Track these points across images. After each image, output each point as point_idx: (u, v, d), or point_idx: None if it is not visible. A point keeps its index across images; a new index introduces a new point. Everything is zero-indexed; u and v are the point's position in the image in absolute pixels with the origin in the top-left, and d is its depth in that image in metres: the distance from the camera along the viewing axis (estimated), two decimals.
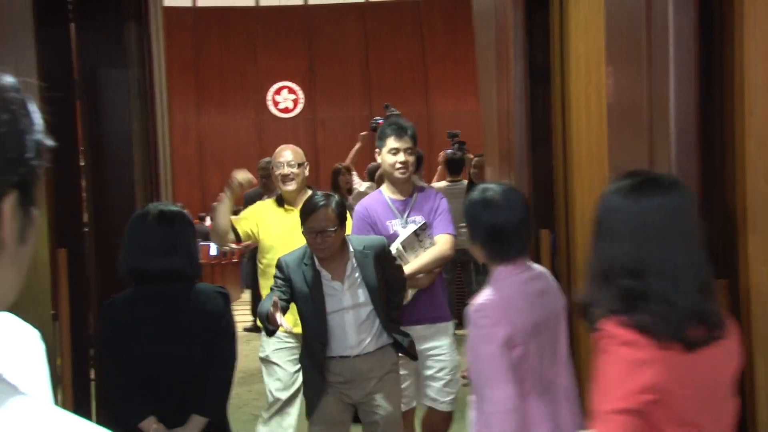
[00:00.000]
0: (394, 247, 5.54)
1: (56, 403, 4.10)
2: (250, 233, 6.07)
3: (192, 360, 4.11)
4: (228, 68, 17.58)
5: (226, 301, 4.34)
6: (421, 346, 5.52)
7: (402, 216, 5.69)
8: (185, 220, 4.36)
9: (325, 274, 4.95)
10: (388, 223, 5.67)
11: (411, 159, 5.66)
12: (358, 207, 5.92)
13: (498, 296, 3.65)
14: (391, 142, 5.62)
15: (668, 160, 3.28)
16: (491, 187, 3.83)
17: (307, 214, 4.83)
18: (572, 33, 5.57)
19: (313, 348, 5.10)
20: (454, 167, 10.51)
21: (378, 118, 13.21)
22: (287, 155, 6.11)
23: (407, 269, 5.46)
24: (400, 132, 5.64)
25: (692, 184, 3.15)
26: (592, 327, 2.73)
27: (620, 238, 2.71)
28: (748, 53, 3.18)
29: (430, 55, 17.57)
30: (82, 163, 6.16)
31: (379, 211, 5.74)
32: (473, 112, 11.82)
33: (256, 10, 17.67)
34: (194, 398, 4.11)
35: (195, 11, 17.29)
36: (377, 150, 5.77)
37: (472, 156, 10.95)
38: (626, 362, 2.55)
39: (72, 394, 5.08)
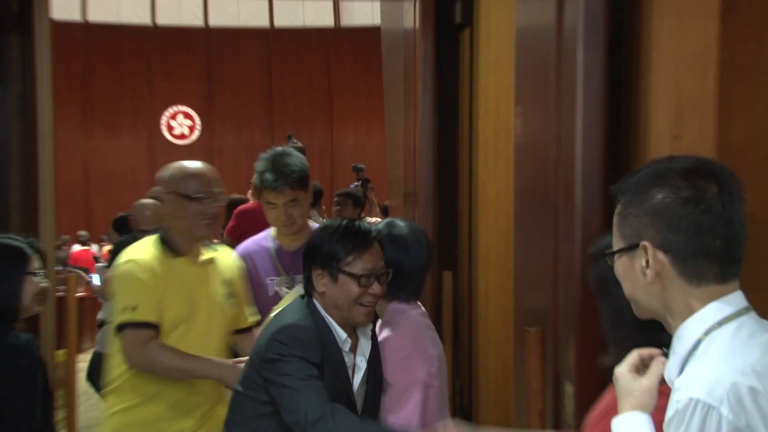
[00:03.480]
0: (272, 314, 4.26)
1: None
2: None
3: None
4: (119, 88, 17.45)
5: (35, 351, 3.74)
6: None
7: (287, 273, 4.69)
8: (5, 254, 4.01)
9: (344, 343, 3.32)
10: (268, 281, 4.68)
11: (297, 211, 4.61)
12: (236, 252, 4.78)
13: (406, 331, 3.62)
14: (268, 196, 4.61)
15: (574, 203, 3.34)
16: (399, 223, 3.80)
17: (363, 248, 3.24)
18: (482, 70, 5.66)
19: None
20: (356, 202, 10.62)
21: (279, 148, 13.29)
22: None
23: None
24: (276, 183, 4.55)
25: (598, 226, 3.22)
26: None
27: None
28: (654, 100, 3.27)
29: (335, 85, 17.67)
30: None
31: (258, 264, 4.75)
32: (379, 145, 11.93)
33: (152, 29, 17.59)
34: None
35: (85, 26, 17.14)
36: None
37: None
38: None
39: None
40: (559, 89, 3.51)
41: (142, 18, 17.62)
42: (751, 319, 2.07)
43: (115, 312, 3.98)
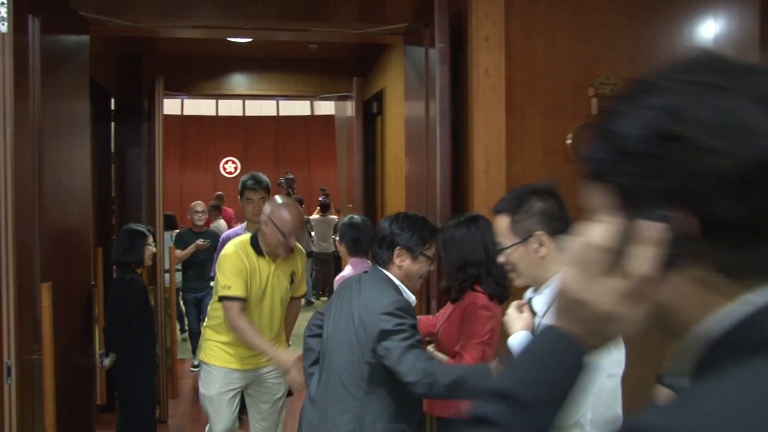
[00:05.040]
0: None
1: None
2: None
3: None
4: (199, 148, 17.22)
5: None
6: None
7: None
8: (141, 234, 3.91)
9: (413, 301, 2.57)
10: None
11: (264, 206, 3.80)
12: (221, 238, 4.34)
13: (352, 272, 3.58)
14: (248, 194, 4.06)
15: (435, 210, 3.34)
16: (355, 216, 3.84)
17: (435, 238, 2.59)
18: (388, 136, 5.68)
19: None
20: (324, 208, 10.60)
21: (281, 178, 13.22)
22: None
23: None
24: (253, 186, 4.08)
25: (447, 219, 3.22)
26: (455, 299, 2.67)
27: (465, 246, 2.63)
28: (475, 154, 3.29)
29: (312, 145, 17.55)
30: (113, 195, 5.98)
31: None
32: (334, 177, 11.91)
33: (217, 117, 17.38)
34: None
35: (182, 117, 16.89)
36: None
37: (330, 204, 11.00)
38: (482, 317, 2.55)
39: None
40: (427, 148, 3.50)
41: (211, 112, 17.39)
42: None
43: (219, 287, 3.33)
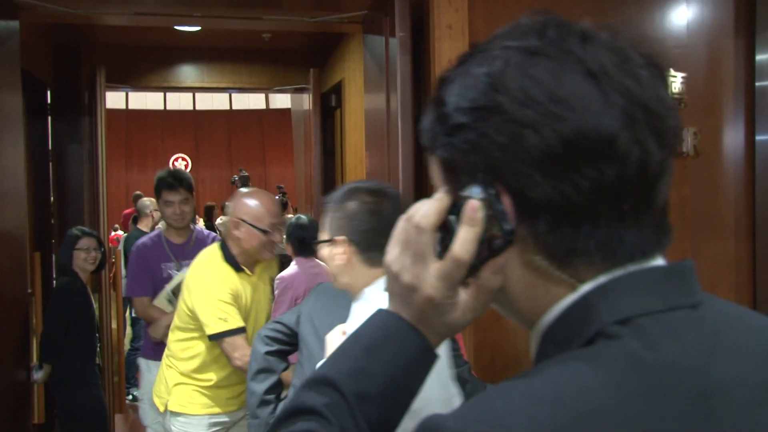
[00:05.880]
0: (166, 291, 3.38)
1: None
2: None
3: None
4: (146, 145, 16.87)
5: None
6: None
7: (177, 260, 3.50)
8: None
9: None
10: (162, 265, 3.49)
11: (187, 208, 3.50)
12: (134, 247, 3.61)
13: (295, 271, 3.71)
14: (167, 195, 3.49)
15: None
16: (302, 216, 3.87)
17: None
18: (347, 131, 5.62)
19: None
20: (281, 207, 10.47)
21: (235, 176, 13.00)
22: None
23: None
24: (173, 185, 3.48)
25: None
26: None
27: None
28: None
29: (267, 141, 17.37)
30: (52, 200, 5.74)
31: (153, 253, 3.50)
32: (291, 174, 11.79)
33: (165, 112, 17.04)
34: None
35: (127, 111, 16.52)
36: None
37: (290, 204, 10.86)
38: None
39: None
40: (389, 142, 3.45)
41: (159, 106, 17.06)
42: None
43: (208, 322, 2.61)
